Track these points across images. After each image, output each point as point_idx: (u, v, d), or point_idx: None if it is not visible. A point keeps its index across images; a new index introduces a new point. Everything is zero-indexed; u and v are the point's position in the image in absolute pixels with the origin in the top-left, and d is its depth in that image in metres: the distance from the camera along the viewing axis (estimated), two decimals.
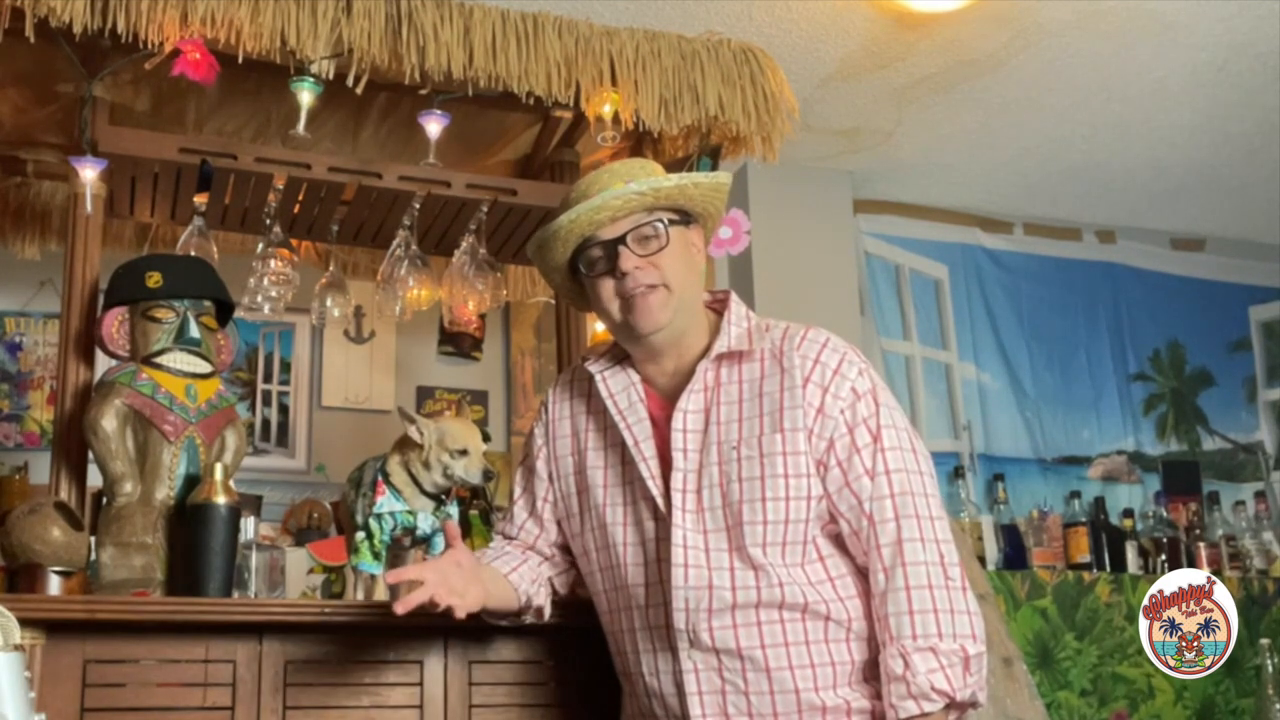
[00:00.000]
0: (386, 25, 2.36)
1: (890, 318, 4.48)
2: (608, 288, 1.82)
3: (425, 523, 2.12)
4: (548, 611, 1.94)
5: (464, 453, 2.08)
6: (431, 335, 4.14)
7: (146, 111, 2.67)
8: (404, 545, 2.17)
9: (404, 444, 2.12)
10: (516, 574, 1.89)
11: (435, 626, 2.01)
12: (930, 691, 1.63)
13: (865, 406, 1.77)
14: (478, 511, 2.88)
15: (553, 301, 3.00)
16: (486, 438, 3.31)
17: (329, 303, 2.88)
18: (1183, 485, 4.67)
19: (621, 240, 1.79)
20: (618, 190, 1.77)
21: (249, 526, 2.43)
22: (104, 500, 2.09)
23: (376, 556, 2.10)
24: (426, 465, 2.09)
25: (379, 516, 2.09)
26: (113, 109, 2.48)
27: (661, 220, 1.81)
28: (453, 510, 2.16)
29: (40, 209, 3.06)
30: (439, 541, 2.15)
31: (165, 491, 2.07)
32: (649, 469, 1.81)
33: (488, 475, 2.11)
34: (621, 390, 1.88)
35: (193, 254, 2.58)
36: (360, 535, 2.11)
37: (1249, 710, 3.78)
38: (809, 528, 1.75)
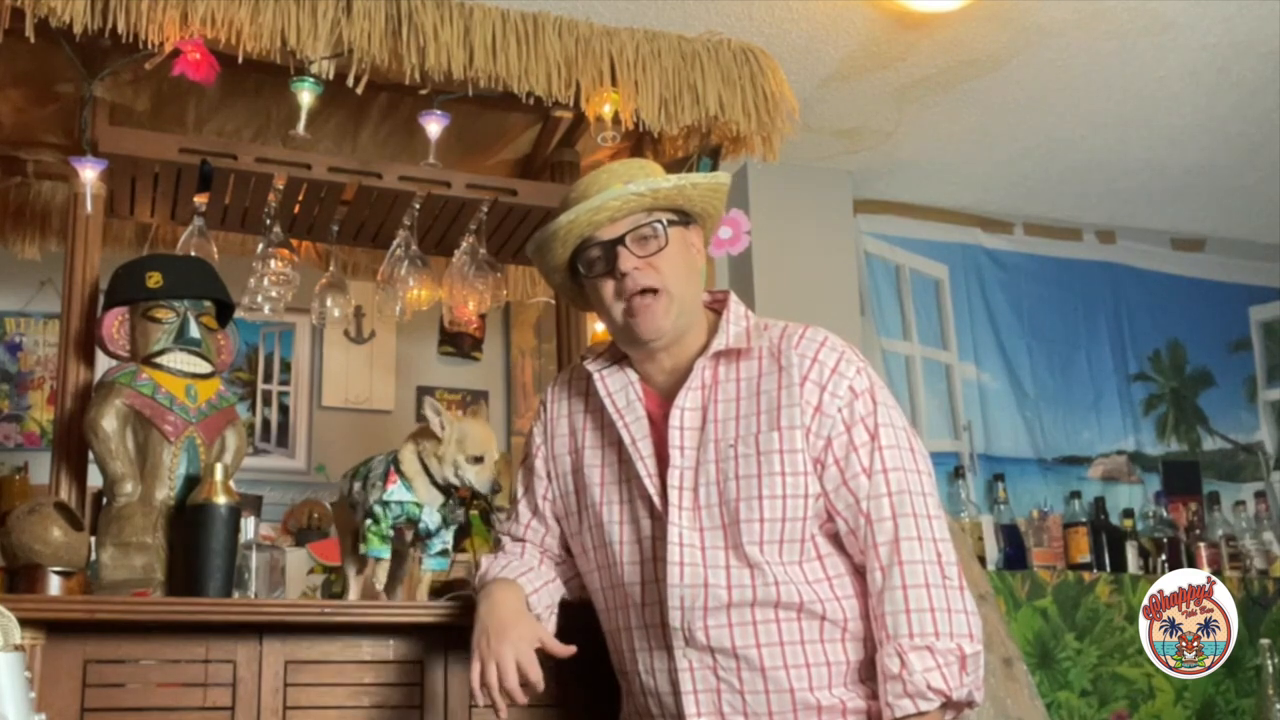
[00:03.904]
0: (386, 25, 2.36)
1: (890, 318, 4.48)
2: (608, 289, 1.82)
3: (430, 518, 2.13)
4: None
5: (479, 460, 2.11)
6: (431, 335, 4.14)
7: (146, 112, 2.67)
8: (404, 539, 2.17)
9: (422, 434, 2.14)
10: (535, 596, 1.88)
11: (435, 626, 2.01)
12: (926, 690, 1.63)
13: (863, 405, 1.78)
14: (478, 512, 2.88)
15: (553, 301, 3.00)
16: None
17: (329, 303, 2.88)
18: (1183, 485, 4.68)
19: (620, 241, 1.79)
20: (616, 191, 1.77)
21: (249, 526, 2.43)
22: (104, 500, 2.09)
23: (384, 541, 2.11)
24: (439, 459, 2.10)
25: (385, 504, 2.10)
26: (113, 109, 2.48)
27: (661, 221, 1.81)
28: (450, 502, 2.17)
29: (40, 209, 3.05)
30: (436, 543, 2.16)
31: (165, 491, 2.07)
32: (646, 467, 1.81)
33: (495, 488, 2.14)
34: (620, 389, 1.88)
35: (193, 254, 2.58)
36: (369, 521, 2.12)
37: (1249, 710, 3.78)
38: (807, 526, 1.75)
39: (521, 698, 1.73)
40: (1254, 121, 4.07)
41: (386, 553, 2.13)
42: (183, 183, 2.52)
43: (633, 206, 1.79)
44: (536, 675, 1.74)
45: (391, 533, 2.13)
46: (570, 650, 1.78)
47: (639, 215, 1.80)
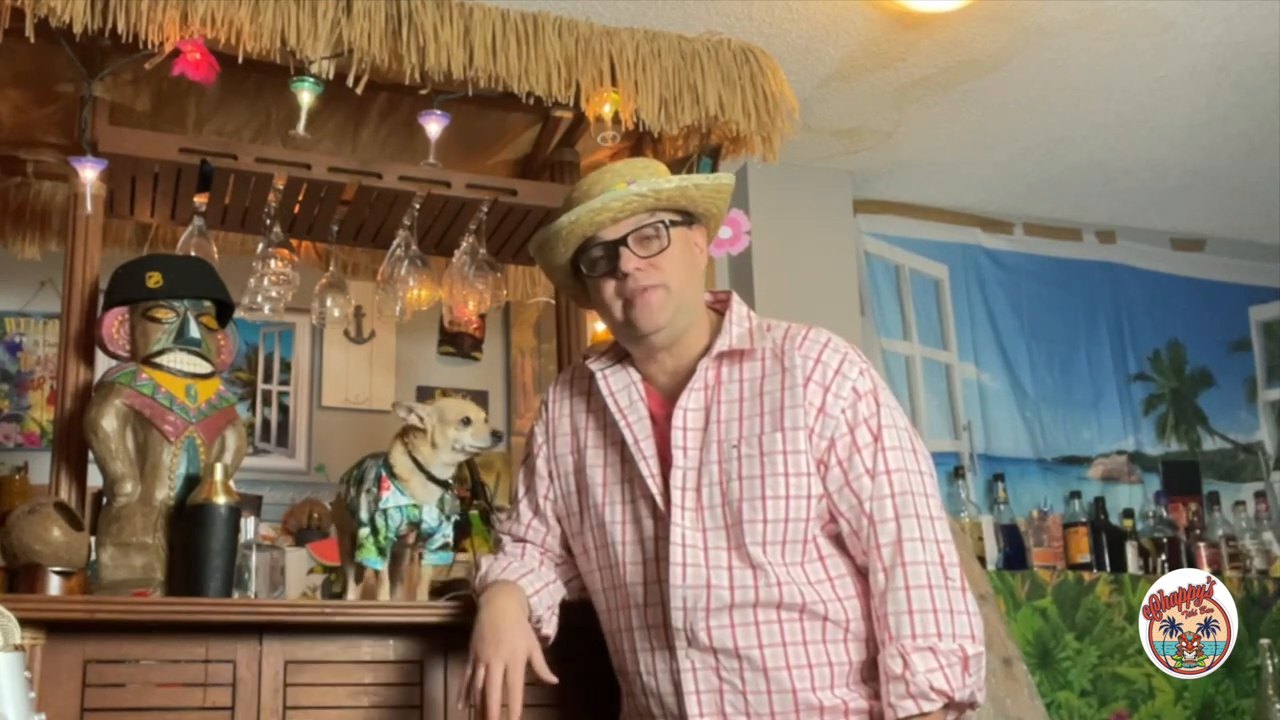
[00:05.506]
0: (386, 25, 2.36)
1: (890, 318, 4.48)
2: (609, 288, 1.82)
3: (430, 515, 2.13)
4: (552, 638, 1.91)
5: (467, 422, 2.12)
6: (431, 335, 4.14)
7: (146, 111, 2.67)
8: (408, 543, 2.17)
9: (406, 433, 2.14)
10: (537, 597, 1.88)
11: (435, 626, 2.01)
12: (929, 691, 1.63)
13: (866, 406, 1.78)
14: (478, 512, 2.88)
15: (553, 301, 3.00)
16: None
17: (329, 303, 2.88)
18: (1183, 485, 4.68)
19: (623, 241, 1.79)
20: (619, 192, 1.77)
21: (249, 526, 2.43)
22: (104, 500, 2.09)
23: (381, 552, 2.11)
24: (434, 445, 2.11)
25: (385, 512, 2.10)
26: (113, 109, 2.48)
27: (663, 221, 1.81)
28: (447, 495, 2.17)
29: (40, 209, 3.05)
30: (437, 539, 2.16)
31: (165, 491, 2.07)
32: (648, 467, 1.81)
33: (496, 436, 2.14)
34: (622, 389, 1.88)
35: (193, 254, 2.58)
36: (365, 531, 2.11)
37: (1249, 710, 3.78)
38: (809, 527, 1.75)
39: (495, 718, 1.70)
40: (1254, 121, 4.07)
41: (381, 564, 2.12)
42: (183, 183, 2.52)
43: (635, 207, 1.79)
44: (517, 695, 1.72)
45: (394, 539, 2.13)
46: (552, 679, 1.76)
47: (642, 216, 1.80)
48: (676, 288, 1.80)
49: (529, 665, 1.75)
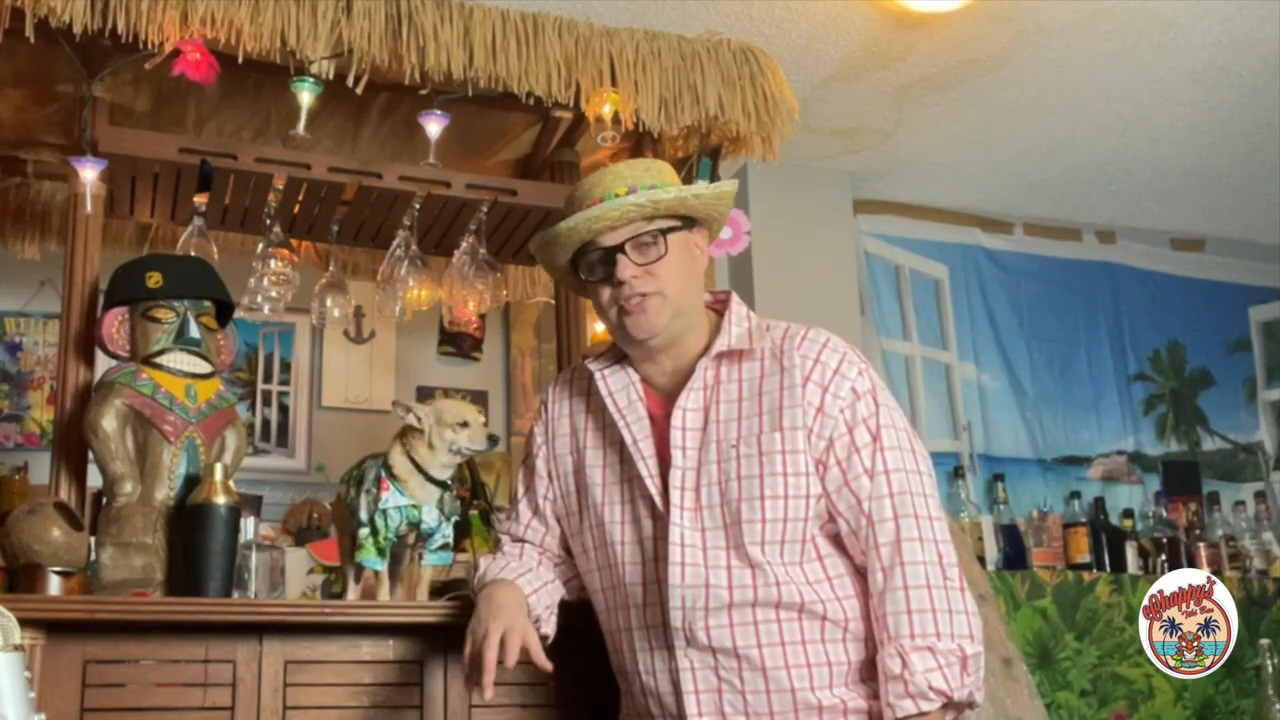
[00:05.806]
0: (386, 25, 2.36)
1: (890, 318, 4.49)
2: (606, 294, 1.82)
3: (430, 516, 2.13)
4: (551, 637, 1.91)
5: (465, 424, 2.12)
6: (431, 335, 4.14)
7: (146, 111, 2.67)
8: (408, 543, 2.17)
9: (404, 434, 2.15)
10: (535, 596, 1.88)
11: (435, 627, 2.01)
12: (928, 691, 1.63)
13: (865, 406, 1.78)
14: (478, 512, 2.88)
15: (553, 301, 3.00)
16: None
17: (329, 303, 2.88)
18: (1183, 485, 4.68)
19: (620, 248, 1.80)
20: (617, 200, 1.78)
21: (249, 526, 2.43)
22: (104, 500, 2.09)
23: (381, 553, 2.11)
24: (431, 446, 2.11)
25: (384, 513, 2.10)
26: (113, 109, 2.48)
27: (661, 229, 1.81)
28: (447, 496, 2.17)
29: (40, 209, 3.06)
30: (437, 539, 2.16)
31: (165, 491, 2.07)
32: (647, 468, 1.81)
33: (493, 440, 2.15)
34: (621, 389, 1.88)
35: (193, 254, 2.58)
36: (365, 531, 2.11)
37: (1249, 710, 3.78)
38: (808, 526, 1.75)
39: (490, 682, 1.69)
40: (1254, 121, 4.07)
41: (381, 564, 2.12)
42: (183, 183, 2.52)
43: (633, 215, 1.79)
44: (514, 654, 1.72)
45: (394, 540, 2.13)
46: (548, 666, 1.76)
47: (640, 223, 1.80)
48: (673, 294, 1.80)
49: (525, 652, 1.74)
